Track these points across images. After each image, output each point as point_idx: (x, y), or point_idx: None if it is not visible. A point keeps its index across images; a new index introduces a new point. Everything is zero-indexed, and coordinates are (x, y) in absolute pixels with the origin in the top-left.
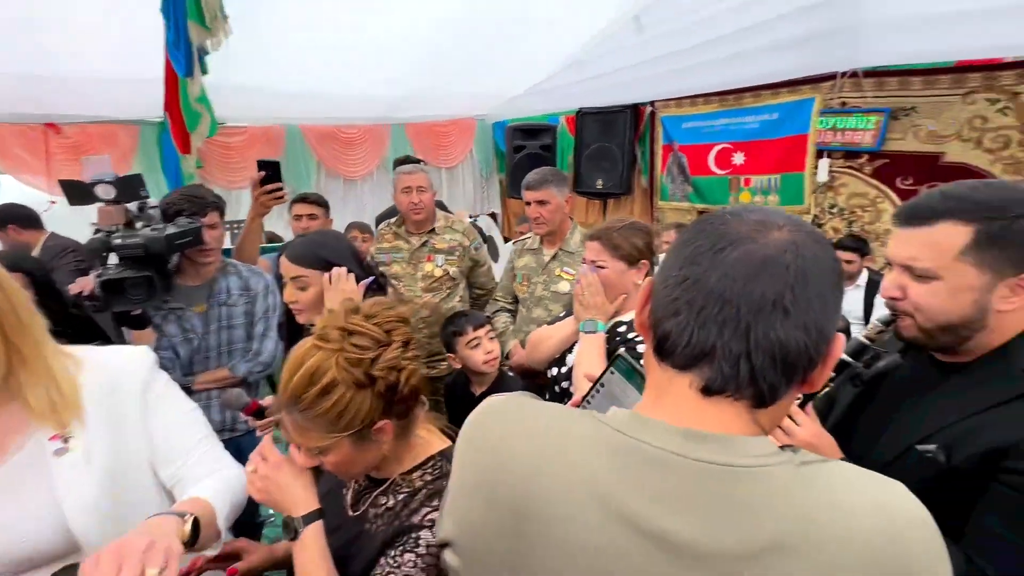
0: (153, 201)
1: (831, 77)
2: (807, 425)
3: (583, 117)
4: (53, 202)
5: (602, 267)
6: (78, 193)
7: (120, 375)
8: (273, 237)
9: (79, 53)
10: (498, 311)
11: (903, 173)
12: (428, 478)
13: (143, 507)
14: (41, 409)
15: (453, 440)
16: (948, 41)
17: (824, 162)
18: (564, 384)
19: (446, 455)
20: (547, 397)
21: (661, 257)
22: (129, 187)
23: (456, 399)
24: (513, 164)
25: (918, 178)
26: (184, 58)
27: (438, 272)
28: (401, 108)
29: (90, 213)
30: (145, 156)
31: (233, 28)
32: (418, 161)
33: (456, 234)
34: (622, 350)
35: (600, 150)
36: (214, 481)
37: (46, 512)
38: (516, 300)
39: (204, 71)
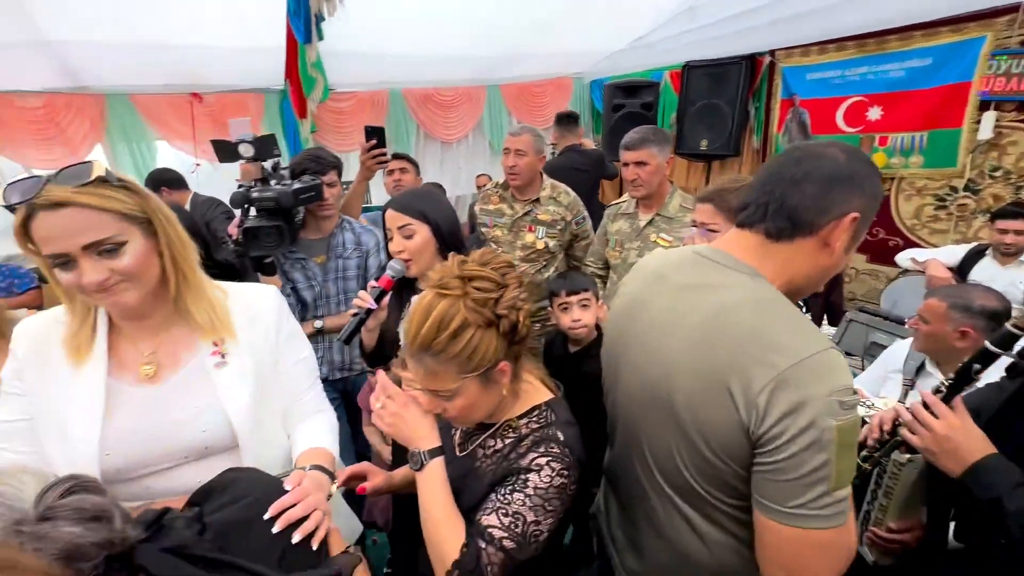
0: (283, 162)
1: (1012, 9)
2: (947, 418)
3: (690, 71)
4: (198, 164)
5: (714, 230)
6: (226, 151)
7: (258, 309)
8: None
9: (209, 23)
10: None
11: None
12: (534, 426)
13: (273, 422)
14: (205, 326)
15: (555, 393)
16: None
17: (990, 115)
18: None
19: (552, 405)
20: None
21: None
22: (265, 146)
23: (553, 356)
24: (611, 125)
25: None
26: (303, 25)
27: (539, 244)
28: (497, 69)
29: (225, 176)
30: (269, 122)
31: None
32: (576, 120)
33: (560, 207)
34: None
35: (707, 107)
36: (321, 426)
37: (215, 412)
38: (607, 265)
39: (320, 37)
